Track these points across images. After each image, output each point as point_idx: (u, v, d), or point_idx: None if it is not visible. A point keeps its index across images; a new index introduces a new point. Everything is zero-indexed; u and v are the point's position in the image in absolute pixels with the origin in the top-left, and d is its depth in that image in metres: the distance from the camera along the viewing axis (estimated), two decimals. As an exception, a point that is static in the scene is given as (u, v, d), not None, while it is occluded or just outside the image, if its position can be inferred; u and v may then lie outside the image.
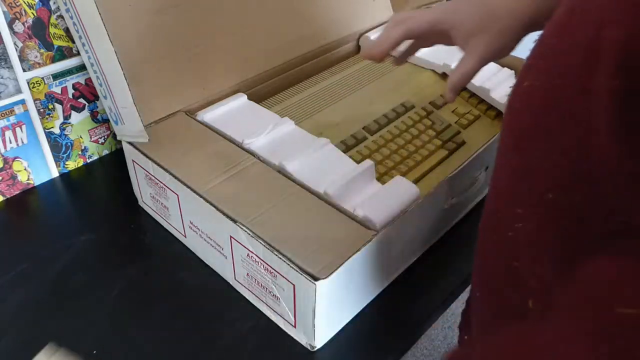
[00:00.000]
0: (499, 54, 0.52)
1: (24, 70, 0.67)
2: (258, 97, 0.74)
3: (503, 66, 0.79)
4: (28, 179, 0.72)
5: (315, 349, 0.53)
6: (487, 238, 0.36)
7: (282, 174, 0.58)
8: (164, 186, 0.60)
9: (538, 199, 0.29)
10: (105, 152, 0.79)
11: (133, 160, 0.64)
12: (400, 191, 0.56)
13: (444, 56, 0.80)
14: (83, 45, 0.63)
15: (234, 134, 0.63)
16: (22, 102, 0.68)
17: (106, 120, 0.77)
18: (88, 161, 0.77)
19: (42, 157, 0.73)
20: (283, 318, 0.54)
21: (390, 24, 0.55)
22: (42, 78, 0.69)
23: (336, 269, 0.48)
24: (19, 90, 0.67)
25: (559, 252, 0.29)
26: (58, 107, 0.72)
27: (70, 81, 0.72)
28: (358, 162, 0.60)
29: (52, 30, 0.68)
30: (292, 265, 0.48)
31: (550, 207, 0.29)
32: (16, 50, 0.66)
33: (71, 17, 0.62)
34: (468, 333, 0.47)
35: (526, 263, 0.31)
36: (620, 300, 0.23)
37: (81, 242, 0.64)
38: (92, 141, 0.77)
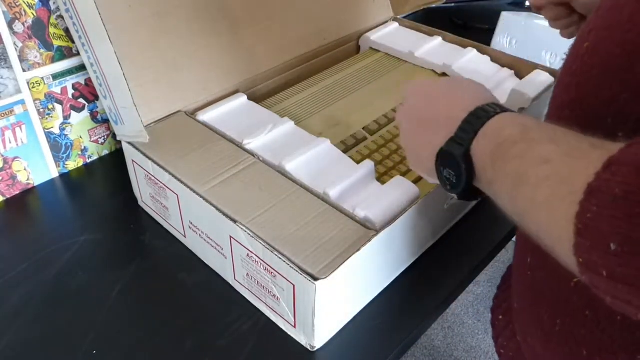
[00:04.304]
0: None
1: (24, 71, 0.67)
2: (258, 97, 0.74)
3: (503, 66, 0.79)
4: (28, 179, 0.72)
5: (315, 349, 0.53)
6: None
7: (282, 174, 0.58)
8: (163, 186, 0.60)
9: None
10: (105, 152, 0.79)
11: (133, 160, 0.64)
12: (400, 191, 0.56)
13: (444, 56, 0.80)
14: (83, 45, 0.63)
15: (234, 134, 0.63)
16: (22, 102, 0.68)
17: (106, 120, 0.77)
18: (88, 161, 0.77)
19: (42, 157, 0.73)
20: (283, 318, 0.54)
21: None
22: (42, 78, 0.69)
23: (336, 269, 0.48)
24: (18, 91, 0.67)
25: None
26: (58, 107, 0.72)
27: (70, 81, 0.72)
28: (358, 162, 0.60)
29: (52, 30, 0.68)
30: (292, 265, 0.48)
31: None
32: (16, 50, 0.66)
33: (71, 17, 0.62)
34: (502, 313, 0.52)
35: None
36: None
37: (81, 242, 0.64)
38: (92, 141, 0.77)
